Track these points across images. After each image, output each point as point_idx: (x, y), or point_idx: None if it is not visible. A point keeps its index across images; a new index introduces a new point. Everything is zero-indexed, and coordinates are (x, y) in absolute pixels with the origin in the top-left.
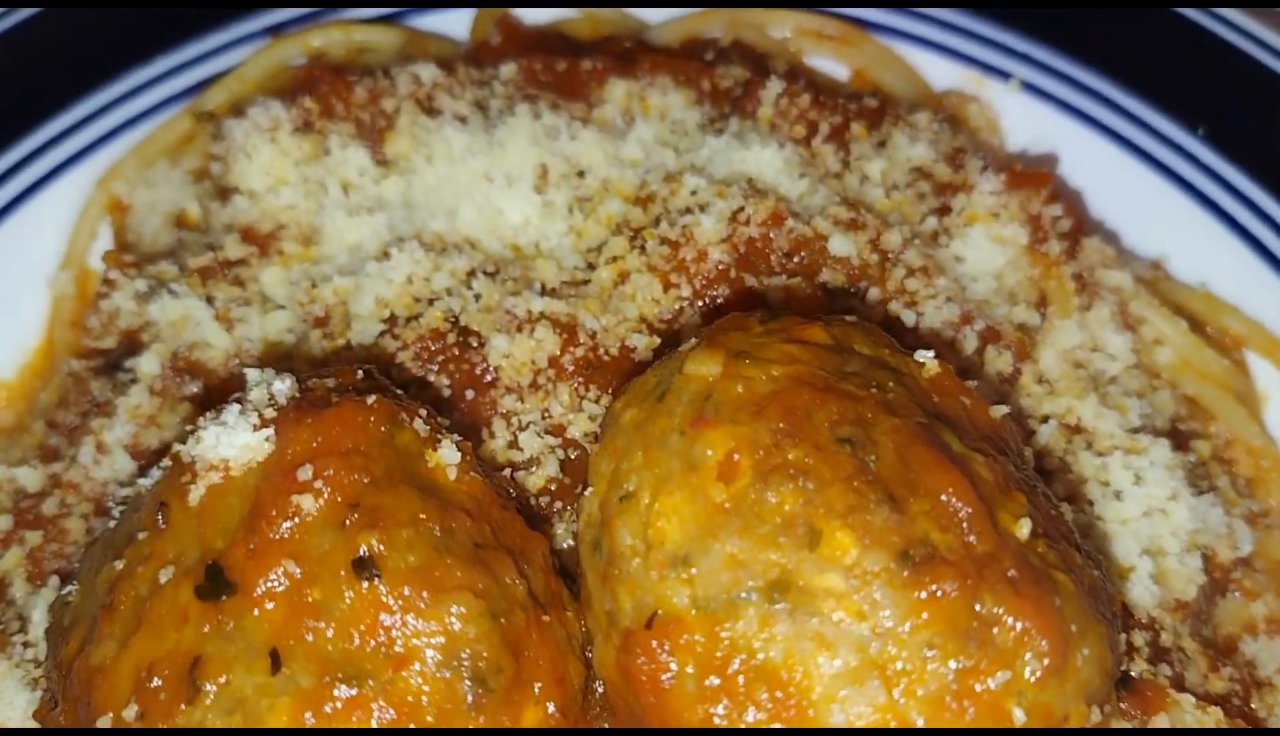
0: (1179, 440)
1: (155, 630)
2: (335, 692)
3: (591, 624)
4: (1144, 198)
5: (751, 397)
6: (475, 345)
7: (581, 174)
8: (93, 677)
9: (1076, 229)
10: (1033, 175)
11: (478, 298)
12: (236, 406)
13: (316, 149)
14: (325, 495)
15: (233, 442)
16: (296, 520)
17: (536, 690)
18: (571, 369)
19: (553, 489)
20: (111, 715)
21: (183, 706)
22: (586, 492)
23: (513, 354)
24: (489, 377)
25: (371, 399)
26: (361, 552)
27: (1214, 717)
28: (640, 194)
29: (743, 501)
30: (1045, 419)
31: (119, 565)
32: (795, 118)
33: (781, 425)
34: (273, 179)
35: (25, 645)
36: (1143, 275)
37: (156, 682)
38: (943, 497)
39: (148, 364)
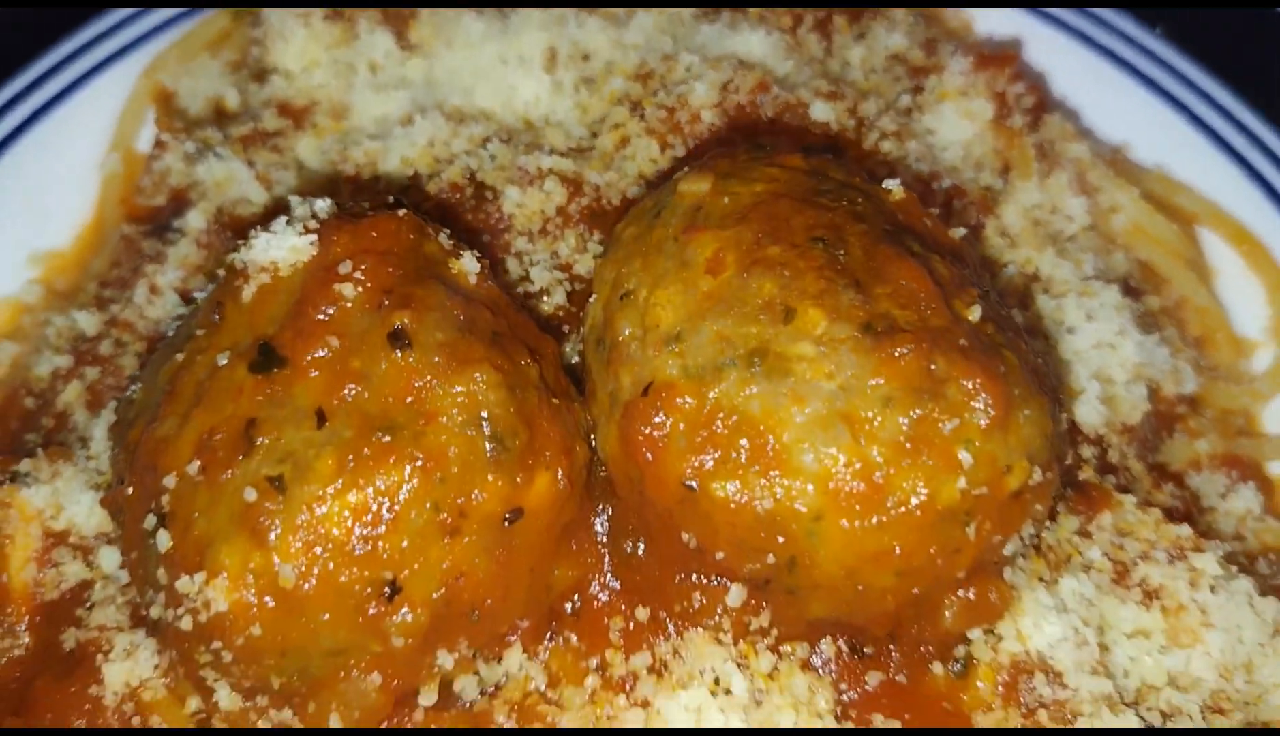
0: (1131, 295)
1: (213, 404)
2: (373, 439)
3: (595, 412)
4: (1104, 91)
5: (736, 208)
6: (490, 198)
7: (587, 57)
8: (157, 447)
9: (1039, 106)
10: (998, 56)
11: (493, 158)
12: (284, 219)
13: (347, 34)
14: (363, 285)
15: (281, 245)
16: (338, 305)
17: (547, 457)
18: (577, 217)
19: (560, 314)
20: (175, 473)
21: (240, 458)
22: (591, 300)
23: (524, 204)
24: (503, 225)
25: (402, 212)
26: (396, 326)
27: (1154, 518)
28: (640, 71)
29: (727, 289)
30: (1005, 265)
31: (179, 357)
32: (782, 11)
33: (762, 228)
34: (306, 60)
35: (88, 458)
36: (1102, 154)
37: (215, 441)
38: (903, 283)
39: (194, 219)
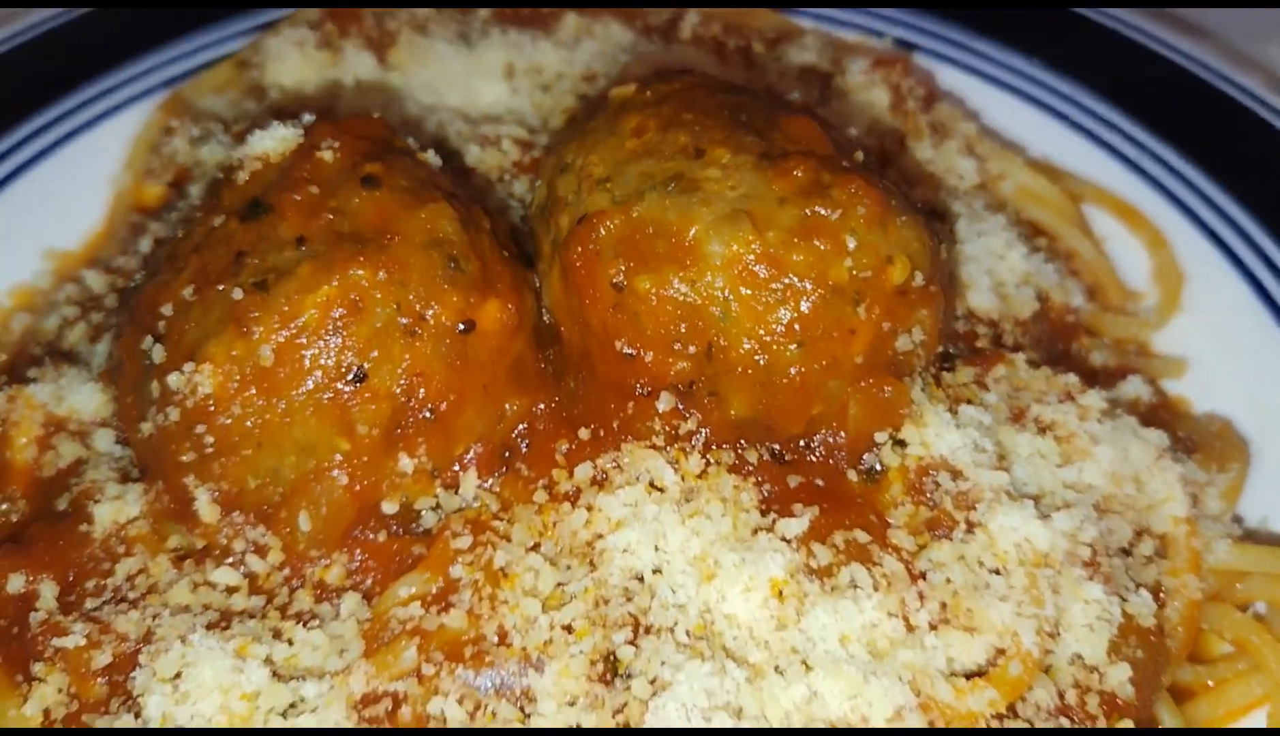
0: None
1: (208, 250)
2: (343, 250)
3: (541, 270)
4: (988, 105)
5: (658, 96)
6: (454, 158)
7: (540, 71)
8: (157, 292)
9: (930, 96)
10: (892, 58)
11: (459, 133)
12: (274, 121)
13: (334, 59)
14: (341, 153)
15: (272, 137)
16: (319, 166)
17: (498, 289)
18: (529, 165)
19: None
20: (171, 303)
21: (229, 278)
22: (536, 184)
23: (484, 159)
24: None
25: (376, 115)
26: (368, 173)
27: (1044, 373)
28: (586, 74)
29: (649, 144)
30: None
31: (179, 234)
32: (708, 40)
33: (679, 105)
34: (299, 78)
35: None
36: (988, 132)
37: (209, 270)
38: (796, 131)
39: (196, 191)
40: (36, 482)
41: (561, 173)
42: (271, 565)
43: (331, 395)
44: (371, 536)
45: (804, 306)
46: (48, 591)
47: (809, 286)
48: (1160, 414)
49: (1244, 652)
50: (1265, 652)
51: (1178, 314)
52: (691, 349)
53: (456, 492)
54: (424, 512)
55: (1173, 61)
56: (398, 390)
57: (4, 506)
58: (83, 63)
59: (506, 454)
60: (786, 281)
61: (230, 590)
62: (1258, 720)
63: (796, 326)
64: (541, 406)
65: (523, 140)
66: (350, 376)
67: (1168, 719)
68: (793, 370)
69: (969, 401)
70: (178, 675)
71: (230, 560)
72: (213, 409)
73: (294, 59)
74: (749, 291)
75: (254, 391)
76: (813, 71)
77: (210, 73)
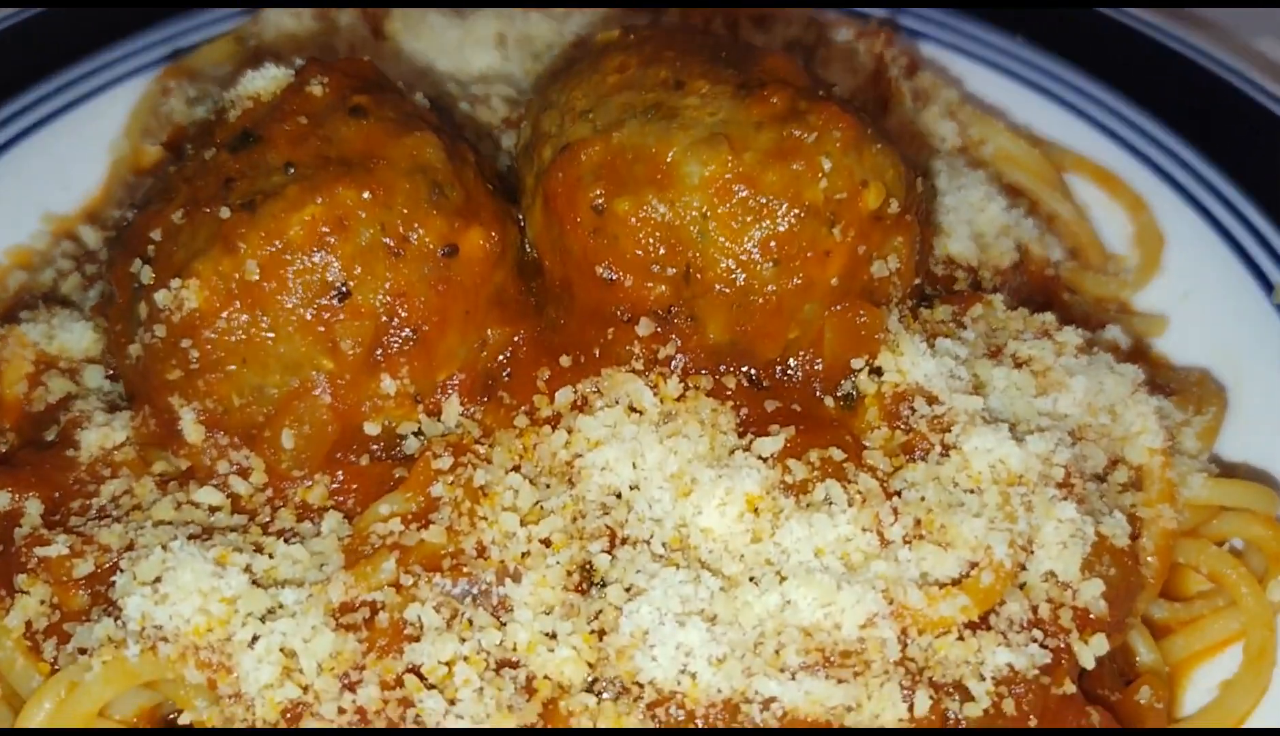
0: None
1: (198, 182)
2: (330, 172)
3: (525, 205)
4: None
5: (640, 40)
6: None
7: (531, 41)
8: (148, 219)
9: (912, 66)
10: (875, 30)
11: (449, 93)
12: (268, 62)
13: (330, 31)
14: (331, 87)
15: (264, 76)
16: (309, 99)
17: (481, 217)
18: (516, 120)
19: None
20: (161, 228)
21: (220, 202)
22: (521, 126)
23: (473, 114)
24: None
25: (366, 57)
26: (356, 104)
27: (1022, 313)
28: (576, 41)
29: (630, 78)
30: None
31: (172, 169)
32: (695, 15)
33: (659, 44)
34: (295, 45)
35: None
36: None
37: (199, 195)
38: (774, 66)
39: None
40: (26, 417)
41: (545, 110)
42: (254, 485)
43: (315, 312)
44: (354, 459)
45: (779, 225)
46: (33, 509)
47: (784, 206)
48: (1138, 361)
49: (1220, 588)
50: (1240, 586)
51: (1158, 274)
52: (670, 271)
53: (439, 419)
54: (407, 438)
55: (1150, 36)
56: (380, 309)
57: None
58: (85, 36)
59: (489, 382)
60: (762, 201)
61: (213, 509)
62: (1234, 655)
63: (772, 244)
64: (523, 335)
65: (512, 98)
66: (334, 293)
67: (1143, 651)
68: (769, 289)
69: (945, 336)
70: (158, 579)
71: (214, 481)
72: (199, 323)
73: (290, 29)
74: (726, 210)
75: (239, 306)
76: (797, 43)
77: (209, 47)
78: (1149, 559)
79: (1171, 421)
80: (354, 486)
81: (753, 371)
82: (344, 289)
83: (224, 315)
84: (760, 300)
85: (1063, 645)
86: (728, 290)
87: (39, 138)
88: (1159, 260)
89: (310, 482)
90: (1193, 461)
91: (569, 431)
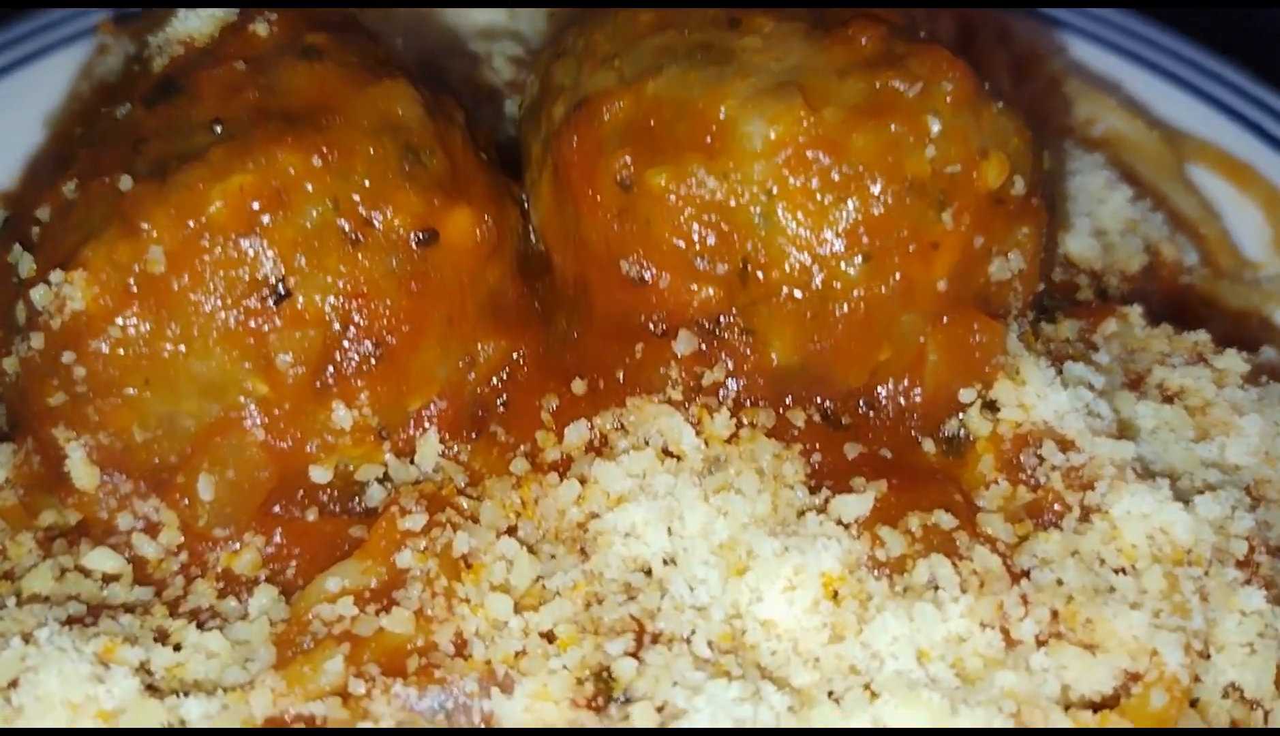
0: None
1: (102, 146)
2: (267, 130)
3: (530, 182)
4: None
5: None
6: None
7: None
8: (36, 196)
9: (1005, 32)
10: None
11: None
12: None
13: None
14: (278, 28)
15: (200, 16)
16: (250, 43)
17: (471, 194)
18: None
19: None
20: (49, 205)
21: (123, 169)
22: (529, 81)
23: (473, 75)
24: None
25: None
26: (309, 44)
27: (1165, 331)
28: None
29: (669, 17)
30: None
31: (78, 131)
32: None
33: None
34: None
35: None
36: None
37: (99, 163)
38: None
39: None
40: None
41: (558, 59)
42: (165, 547)
43: (243, 317)
44: (297, 514)
45: (871, 207)
46: None
47: (878, 181)
48: None
49: None
50: None
51: None
52: (721, 269)
53: (412, 461)
54: (369, 485)
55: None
56: (331, 314)
57: None
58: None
59: (478, 413)
60: (848, 173)
61: (108, 579)
62: None
63: (861, 234)
64: (524, 352)
65: (519, 59)
66: (269, 293)
67: None
68: (854, 293)
69: (1075, 359)
70: (13, 684)
71: (113, 541)
72: (85, 331)
73: None
74: (798, 186)
75: (140, 308)
76: None
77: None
78: None
79: None
80: (296, 551)
81: (829, 405)
82: (282, 288)
83: (119, 320)
84: (843, 308)
85: None
86: (799, 294)
87: None
88: None
89: (237, 545)
90: None
91: (582, 482)
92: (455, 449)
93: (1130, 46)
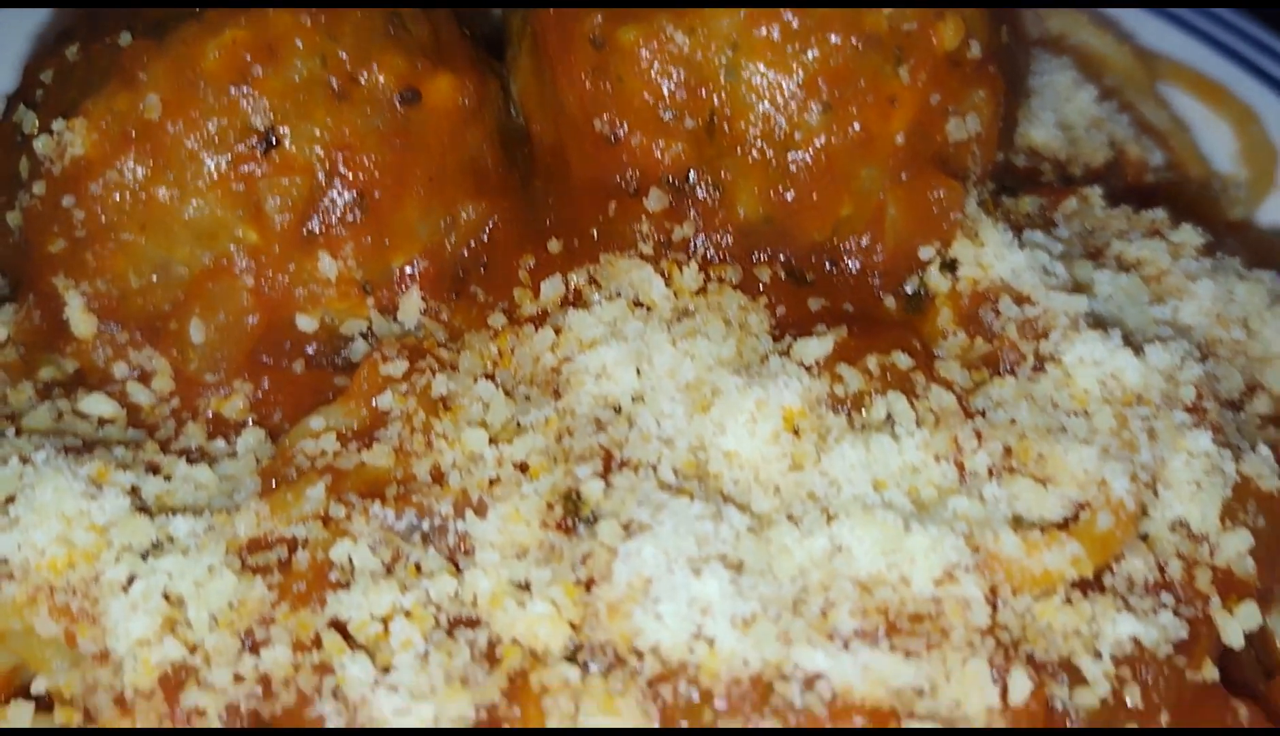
0: None
1: (104, 16)
2: None
3: (510, 58)
4: None
5: None
6: None
7: None
8: (40, 62)
9: None
10: None
11: None
12: None
13: None
14: None
15: None
16: None
17: (454, 62)
18: None
19: None
20: (53, 68)
21: (123, 29)
22: None
23: None
24: None
25: None
26: None
27: (1125, 212)
28: None
29: None
30: None
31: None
32: None
33: None
34: None
35: None
36: None
37: (100, 26)
38: None
39: None
40: None
41: None
42: (158, 394)
43: (233, 163)
44: (284, 365)
45: (830, 58)
46: None
47: (837, 33)
48: None
49: None
50: None
51: (1273, 191)
52: (688, 123)
53: (395, 318)
54: (353, 340)
55: None
56: (317, 163)
57: None
58: None
59: (459, 274)
60: (808, 24)
61: (103, 422)
62: None
63: (820, 83)
64: (503, 215)
65: None
66: (258, 140)
67: None
68: (816, 143)
69: (1034, 229)
70: (10, 499)
71: (109, 388)
72: (85, 175)
73: None
74: (762, 39)
75: (136, 154)
76: None
77: None
78: None
79: None
80: (281, 398)
81: (793, 260)
82: (271, 136)
83: (117, 164)
84: (805, 158)
85: (1200, 615)
86: (763, 145)
87: None
88: (1273, 175)
89: (227, 391)
90: None
91: (557, 331)
92: (437, 307)
93: None
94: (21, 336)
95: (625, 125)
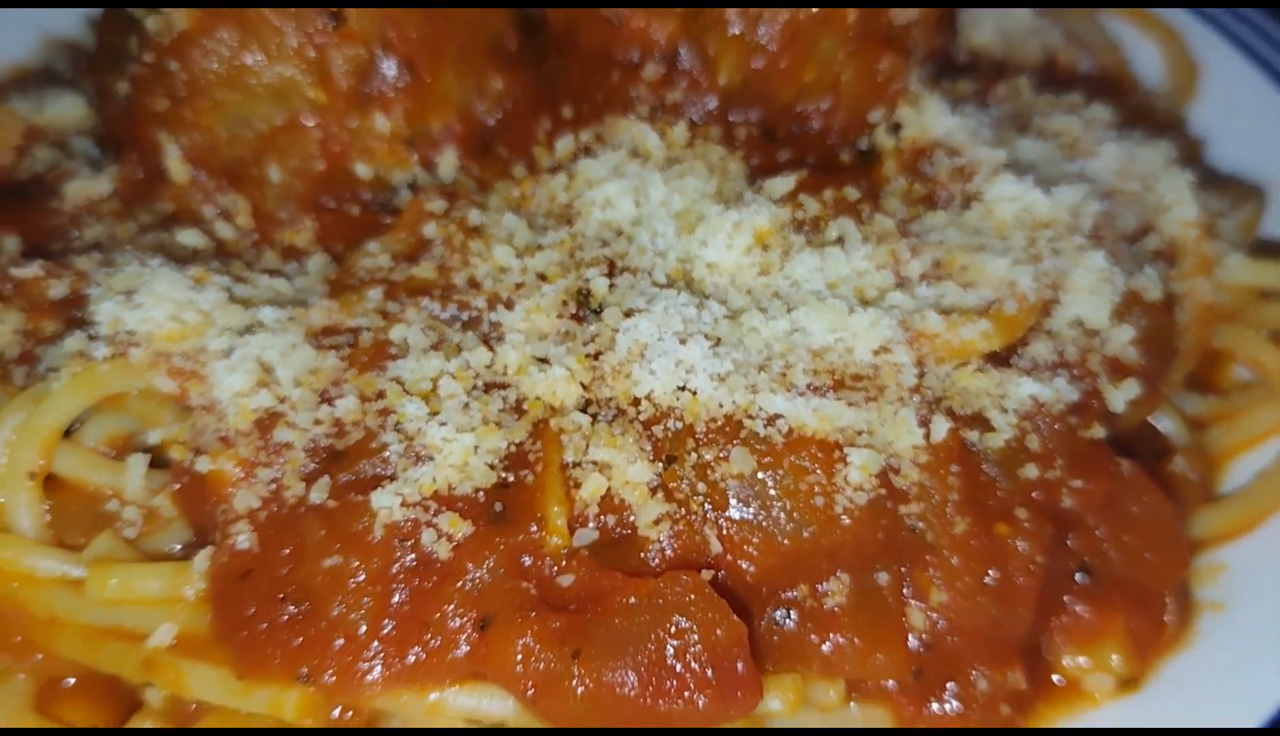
0: None
1: None
2: None
3: None
4: None
5: None
6: None
7: None
8: None
9: None
10: None
11: None
12: None
13: None
14: None
15: None
16: None
17: None
18: None
19: None
20: None
21: None
22: None
23: None
24: None
25: None
26: None
27: (1049, 97)
28: None
29: None
30: None
31: None
32: None
33: None
34: None
35: None
36: None
37: None
38: None
39: None
40: (10, 184)
41: None
42: (240, 228)
43: (306, 36)
44: (344, 205)
45: None
46: (10, 245)
47: None
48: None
49: (1259, 379)
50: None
51: (1193, 100)
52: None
53: (433, 172)
54: (400, 190)
55: None
56: (374, 35)
57: None
58: None
59: (487, 139)
60: None
61: (196, 252)
62: (1272, 449)
63: None
64: (521, 88)
65: None
66: (327, 17)
67: (1177, 434)
68: (783, 17)
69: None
70: (131, 292)
71: (199, 227)
72: (188, 43)
73: None
74: None
75: (228, 28)
76: None
77: None
78: (1186, 331)
79: (1209, 213)
80: (341, 232)
81: (765, 120)
82: (337, 14)
83: (213, 35)
84: (773, 30)
85: (1091, 388)
86: (739, 21)
87: None
88: (1194, 86)
89: (297, 226)
90: (1230, 245)
91: (570, 176)
92: (469, 164)
93: None
94: (123, 188)
95: (626, 8)
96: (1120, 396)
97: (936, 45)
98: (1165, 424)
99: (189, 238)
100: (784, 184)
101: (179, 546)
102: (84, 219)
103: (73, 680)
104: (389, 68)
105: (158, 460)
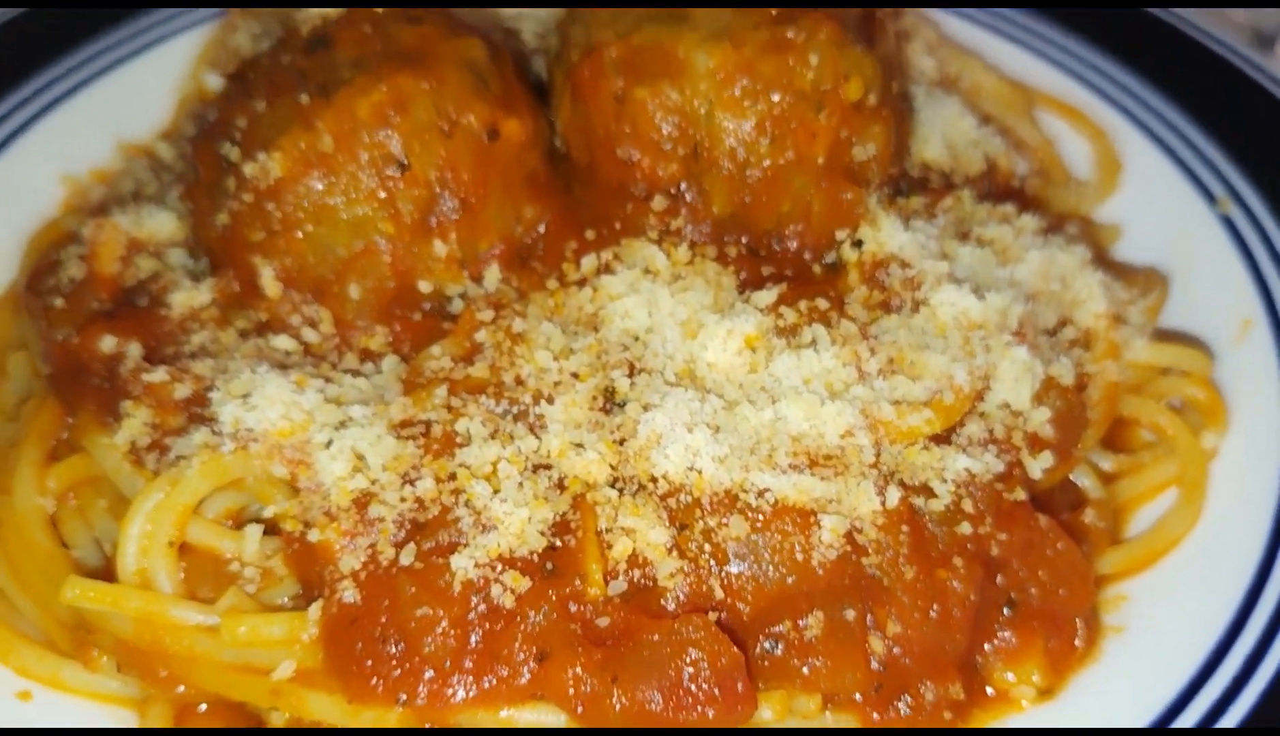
0: None
1: (276, 77)
2: (392, 64)
3: (554, 103)
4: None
5: None
6: None
7: None
8: (232, 109)
9: (897, 10)
10: None
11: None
12: None
13: None
14: (387, 7)
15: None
16: (370, 15)
17: (519, 109)
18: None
19: None
20: (245, 116)
21: (298, 90)
22: (552, 41)
23: (508, 42)
24: None
25: None
26: (412, 15)
27: (987, 208)
28: None
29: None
30: None
31: (250, 73)
32: None
33: None
34: None
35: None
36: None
37: (276, 83)
38: None
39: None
40: (120, 291)
41: (573, 24)
42: (324, 334)
43: (379, 181)
44: (410, 314)
45: (774, 108)
46: (134, 350)
47: (778, 92)
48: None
49: (1160, 440)
50: (1176, 434)
51: (1115, 192)
52: (681, 151)
53: (481, 285)
54: (453, 299)
55: None
56: (434, 179)
57: (94, 305)
58: None
59: (524, 255)
60: (759, 87)
61: (288, 354)
62: (1172, 497)
63: (767, 124)
64: (553, 213)
65: (540, 33)
66: (396, 165)
67: (1091, 488)
68: (764, 163)
69: (918, 218)
70: (247, 394)
71: (288, 333)
72: (282, 189)
73: None
74: (728, 96)
75: (316, 174)
76: None
77: None
78: (1096, 404)
79: (1118, 302)
80: (408, 337)
81: (751, 241)
82: (404, 161)
83: (303, 181)
84: (757, 173)
85: (1015, 459)
86: (730, 165)
87: (115, 76)
88: (1116, 180)
89: (372, 332)
90: (1136, 330)
91: (594, 289)
92: (509, 277)
93: (994, 23)
94: (221, 299)
95: (638, 152)
96: (1038, 465)
97: (891, 173)
98: (1083, 480)
99: (282, 343)
100: (767, 296)
101: (287, 598)
102: (189, 325)
103: (204, 706)
104: (446, 203)
105: (269, 529)
